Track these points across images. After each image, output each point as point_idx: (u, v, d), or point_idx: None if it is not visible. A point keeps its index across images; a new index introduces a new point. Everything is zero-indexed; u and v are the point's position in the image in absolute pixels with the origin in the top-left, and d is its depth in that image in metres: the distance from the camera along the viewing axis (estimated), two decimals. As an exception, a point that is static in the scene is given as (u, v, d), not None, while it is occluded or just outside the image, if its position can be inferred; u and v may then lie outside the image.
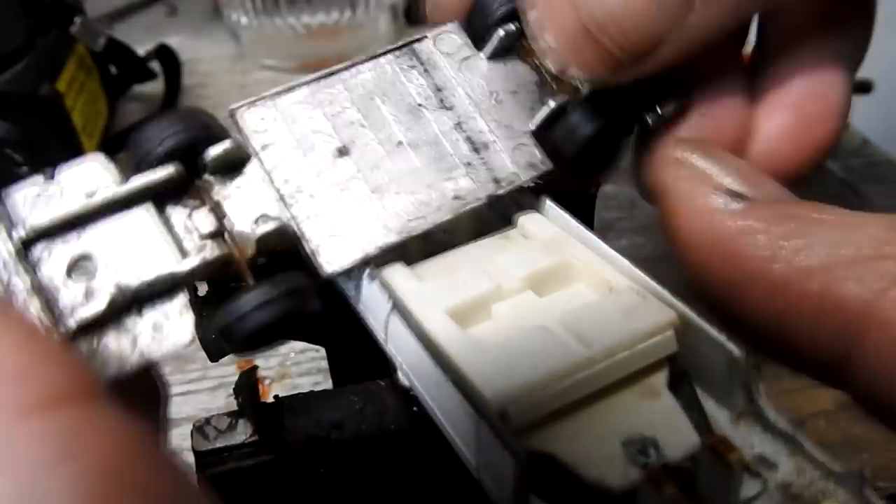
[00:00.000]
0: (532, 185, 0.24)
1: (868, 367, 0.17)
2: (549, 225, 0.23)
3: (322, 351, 0.31)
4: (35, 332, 0.15)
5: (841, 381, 0.19)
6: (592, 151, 0.24)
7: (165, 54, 0.66)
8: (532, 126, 0.24)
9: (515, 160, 0.23)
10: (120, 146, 0.64)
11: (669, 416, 0.18)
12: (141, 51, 0.65)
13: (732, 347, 0.18)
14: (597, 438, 0.18)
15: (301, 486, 0.22)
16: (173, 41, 0.69)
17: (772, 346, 0.19)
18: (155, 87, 0.66)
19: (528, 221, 0.23)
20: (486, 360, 0.18)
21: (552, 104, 0.24)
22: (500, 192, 0.23)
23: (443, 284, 0.21)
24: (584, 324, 0.19)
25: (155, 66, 0.66)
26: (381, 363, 0.22)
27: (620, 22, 0.20)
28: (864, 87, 0.62)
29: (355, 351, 0.25)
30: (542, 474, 0.17)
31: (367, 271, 0.22)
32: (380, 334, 0.22)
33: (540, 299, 0.21)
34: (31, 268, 0.20)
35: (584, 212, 0.26)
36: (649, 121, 0.25)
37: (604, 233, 0.23)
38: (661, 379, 0.19)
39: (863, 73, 0.63)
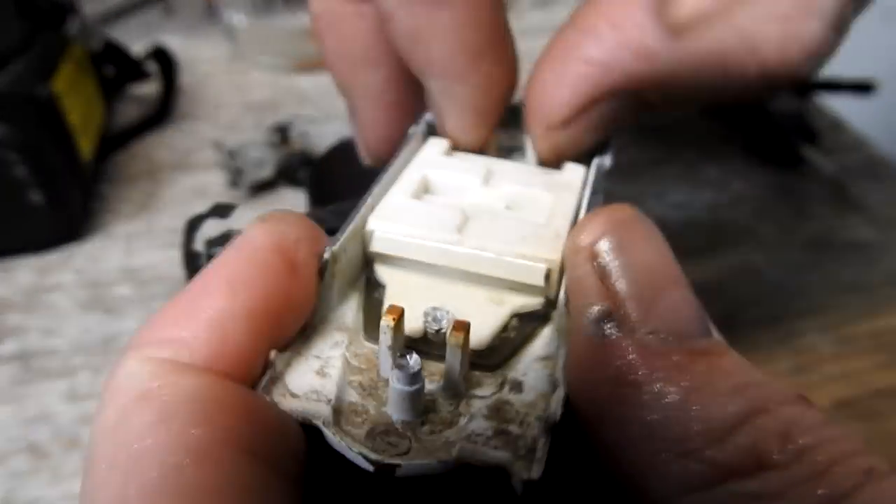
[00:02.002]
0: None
1: None
2: (578, 176, 0.26)
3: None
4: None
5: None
6: None
7: (161, 55, 0.66)
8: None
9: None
10: (116, 147, 0.64)
11: (489, 320, 0.21)
12: (137, 51, 0.65)
13: (561, 295, 0.20)
14: (423, 299, 0.21)
15: None
16: (169, 41, 0.69)
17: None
18: (151, 87, 0.66)
19: (570, 168, 0.26)
20: (400, 206, 0.23)
21: None
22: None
23: (449, 163, 0.26)
24: (490, 225, 0.22)
25: (151, 66, 0.66)
26: None
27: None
28: (865, 87, 0.62)
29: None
30: (371, 295, 0.22)
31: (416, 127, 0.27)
32: None
33: (502, 209, 0.24)
34: None
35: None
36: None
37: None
38: (517, 300, 0.21)
39: (863, 71, 0.64)
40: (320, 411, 0.18)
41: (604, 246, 0.18)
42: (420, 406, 0.18)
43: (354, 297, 0.22)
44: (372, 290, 0.22)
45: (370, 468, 0.17)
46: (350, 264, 0.22)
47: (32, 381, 0.41)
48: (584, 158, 0.27)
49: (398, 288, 0.21)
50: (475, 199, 0.24)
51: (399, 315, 0.18)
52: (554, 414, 0.17)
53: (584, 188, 0.25)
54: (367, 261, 0.22)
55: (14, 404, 0.40)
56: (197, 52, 0.76)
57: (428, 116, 0.28)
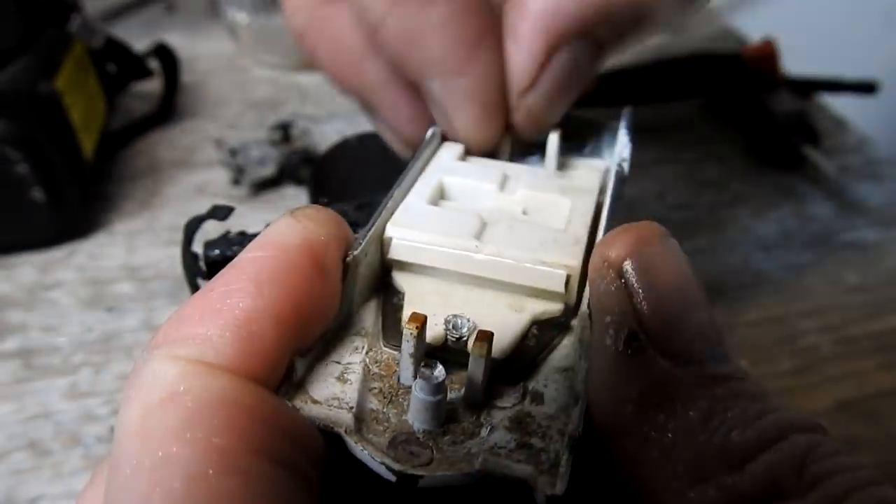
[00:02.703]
0: None
1: None
2: (594, 180, 0.26)
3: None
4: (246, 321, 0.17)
5: None
6: None
7: (164, 53, 0.66)
8: None
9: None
10: (118, 145, 0.64)
11: (509, 328, 0.20)
12: (139, 48, 0.65)
13: (584, 305, 0.20)
14: (442, 305, 0.21)
15: None
16: (171, 39, 0.69)
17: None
18: (153, 85, 0.66)
19: (585, 170, 0.27)
20: (418, 212, 0.23)
21: None
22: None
23: (465, 168, 0.26)
24: (508, 231, 0.22)
25: (153, 64, 0.66)
26: None
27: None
28: (868, 88, 0.62)
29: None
30: (390, 300, 0.21)
31: (433, 130, 0.27)
32: None
33: (520, 215, 0.24)
34: None
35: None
36: None
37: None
38: (537, 306, 0.21)
39: (865, 72, 0.63)
40: (342, 419, 0.18)
41: (631, 265, 0.18)
42: (442, 416, 0.18)
43: (372, 302, 0.22)
44: (390, 295, 0.22)
45: (392, 478, 0.17)
46: (369, 269, 0.22)
47: (33, 379, 0.41)
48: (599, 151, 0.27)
49: (416, 294, 0.21)
50: (492, 204, 0.24)
51: (422, 323, 0.18)
52: (577, 429, 0.17)
53: (600, 192, 0.25)
54: (386, 267, 0.22)
55: (15, 402, 0.40)
56: (199, 50, 0.76)
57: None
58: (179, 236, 0.26)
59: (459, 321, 0.20)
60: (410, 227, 0.22)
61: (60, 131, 0.50)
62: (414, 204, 0.23)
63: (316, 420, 0.17)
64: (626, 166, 0.26)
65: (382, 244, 0.22)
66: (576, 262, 0.21)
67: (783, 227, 0.52)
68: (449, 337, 0.20)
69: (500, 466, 0.17)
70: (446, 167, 0.25)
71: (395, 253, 0.22)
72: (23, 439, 0.38)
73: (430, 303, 0.21)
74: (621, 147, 0.27)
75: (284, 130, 0.56)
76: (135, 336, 0.44)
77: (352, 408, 0.18)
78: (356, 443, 0.17)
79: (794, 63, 0.65)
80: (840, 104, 0.64)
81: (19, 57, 0.49)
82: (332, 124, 0.58)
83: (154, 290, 0.47)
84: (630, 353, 0.17)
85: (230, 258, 0.25)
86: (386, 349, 0.20)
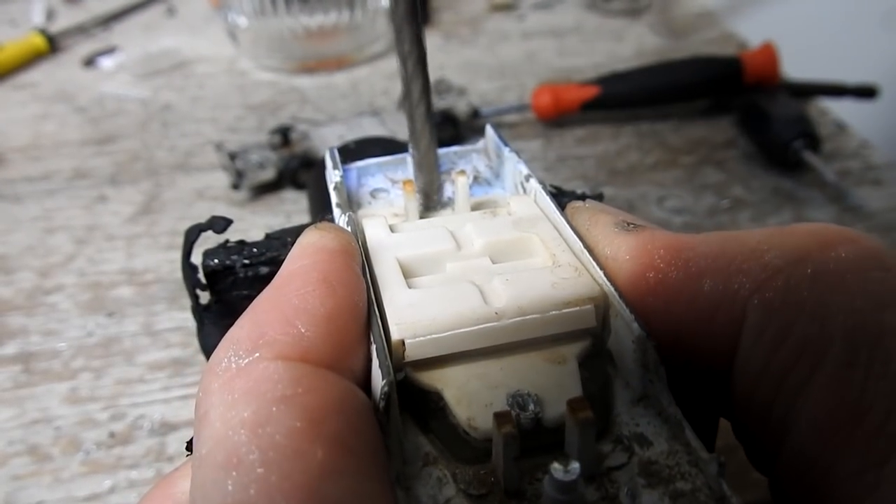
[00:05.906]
0: None
1: (747, 357, 0.18)
2: (532, 206, 0.24)
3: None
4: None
5: (725, 388, 0.19)
6: None
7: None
8: None
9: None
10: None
11: (566, 383, 0.19)
12: (139, 52, 0.65)
13: (636, 327, 0.19)
14: (487, 387, 0.19)
15: None
16: (172, 41, 0.69)
17: (670, 351, 0.19)
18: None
19: (516, 202, 0.25)
20: (407, 301, 0.20)
21: None
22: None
23: (409, 238, 0.23)
24: (509, 286, 0.20)
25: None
26: None
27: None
28: (868, 93, 0.62)
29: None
30: (427, 408, 0.19)
31: (349, 215, 0.23)
32: None
33: (492, 265, 0.22)
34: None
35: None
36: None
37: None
38: (573, 349, 0.20)
39: (864, 76, 0.63)
40: None
41: (588, 203, 0.24)
42: None
43: (407, 419, 0.19)
44: (426, 402, 0.19)
45: None
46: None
47: (33, 384, 0.41)
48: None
49: (454, 388, 0.19)
50: (461, 265, 0.22)
51: (511, 419, 0.17)
52: (702, 451, 0.17)
53: (548, 216, 0.24)
54: (401, 372, 0.20)
55: (15, 406, 0.40)
56: (199, 53, 0.76)
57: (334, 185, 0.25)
58: (179, 240, 0.26)
59: (522, 399, 0.18)
60: (415, 321, 0.19)
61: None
62: (397, 297, 0.20)
63: None
64: (536, 180, 0.25)
65: (395, 351, 0.19)
66: (593, 289, 0.20)
67: (783, 231, 0.52)
68: (523, 420, 0.18)
69: None
70: (388, 244, 0.23)
71: (413, 354, 0.19)
72: (22, 444, 0.38)
73: (473, 391, 0.19)
74: (513, 165, 0.26)
75: (284, 134, 0.56)
76: (135, 341, 0.44)
77: None
78: None
79: (794, 67, 0.65)
80: (840, 108, 0.64)
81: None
82: (331, 128, 0.58)
83: (154, 294, 0.47)
84: (634, 228, 0.21)
85: (229, 267, 0.25)
86: (466, 466, 0.18)
